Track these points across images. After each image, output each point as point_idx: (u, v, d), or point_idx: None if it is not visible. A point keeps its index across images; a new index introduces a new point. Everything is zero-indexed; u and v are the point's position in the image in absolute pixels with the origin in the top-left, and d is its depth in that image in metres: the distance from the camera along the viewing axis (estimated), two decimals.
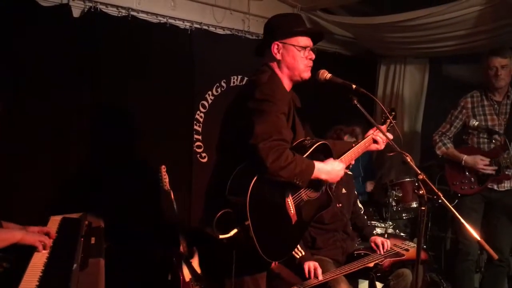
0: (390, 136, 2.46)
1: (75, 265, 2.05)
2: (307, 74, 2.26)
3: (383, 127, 2.60)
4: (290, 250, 2.22)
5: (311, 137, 2.34)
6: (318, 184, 2.23)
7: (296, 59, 2.20)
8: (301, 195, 2.18)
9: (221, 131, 2.29)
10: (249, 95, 2.06)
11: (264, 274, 2.28)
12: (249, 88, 2.15)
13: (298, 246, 2.81)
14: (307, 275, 2.71)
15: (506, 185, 3.56)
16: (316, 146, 2.22)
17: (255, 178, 1.94)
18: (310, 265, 2.73)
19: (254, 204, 1.92)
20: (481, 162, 3.51)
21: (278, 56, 2.20)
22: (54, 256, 2.17)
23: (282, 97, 2.08)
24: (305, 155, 2.14)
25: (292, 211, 2.12)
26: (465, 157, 3.58)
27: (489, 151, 3.58)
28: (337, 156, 2.34)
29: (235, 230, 1.93)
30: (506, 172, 3.52)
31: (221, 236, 1.93)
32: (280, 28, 2.21)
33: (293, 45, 2.20)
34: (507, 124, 3.54)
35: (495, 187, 3.56)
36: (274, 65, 2.23)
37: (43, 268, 2.03)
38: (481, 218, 3.63)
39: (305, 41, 2.23)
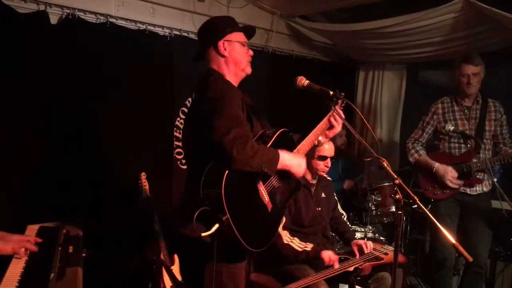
0: (343, 116, 2.46)
1: (52, 274, 2.03)
2: (249, 69, 2.37)
3: (336, 107, 2.53)
4: (271, 237, 2.24)
5: (268, 128, 2.37)
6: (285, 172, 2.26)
7: (241, 54, 2.32)
8: (272, 182, 2.22)
9: (185, 139, 2.39)
10: (201, 98, 2.15)
11: (242, 265, 2.28)
12: (199, 92, 2.24)
13: (297, 240, 2.99)
14: (327, 263, 2.88)
15: (478, 188, 3.62)
16: (278, 134, 2.27)
17: (226, 171, 1.95)
18: (331, 255, 2.91)
19: (229, 197, 1.93)
20: (451, 175, 3.57)
21: (226, 53, 2.28)
22: (31, 265, 2.15)
23: (233, 92, 2.16)
24: (268, 145, 2.18)
25: (267, 199, 2.16)
26: (436, 165, 3.64)
27: (460, 155, 3.64)
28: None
29: (216, 226, 1.93)
30: (478, 176, 3.58)
31: (203, 234, 1.93)
32: (221, 27, 2.31)
33: (238, 42, 2.31)
34: (477, 129, 3.61)
35: (468, 191, 3.62)
36: (219, 65, 2.30)
37: (20, 278, 2.01)
38: (456, 223, 3.68)
39: (244, 37, 2.37)
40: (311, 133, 2.46)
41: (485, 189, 3.64)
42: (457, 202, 3.67)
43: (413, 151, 3.81)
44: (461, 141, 3.64)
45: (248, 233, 2.00)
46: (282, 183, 2.27)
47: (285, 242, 2.99)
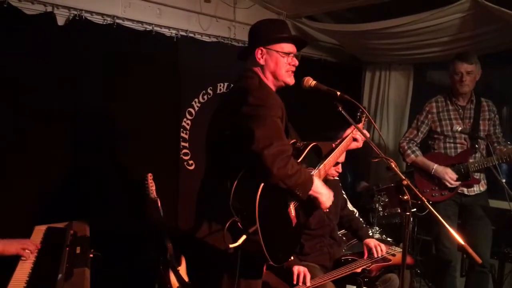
0: (368, 134, 2.51)
1: (60, 275, 2.04)
2: (290, 80, 2.27)
3: (360, 125, 2.64)
4: (292, 252, 2.21)
5: (299, 140, 2.35)
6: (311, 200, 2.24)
7: (278, 65, 2.21)
8: None
9: (209, 139, 2.27)
10: (241, 101, 2.02)
11: (260, 282, 2.26)
12: (239, 93, 2.12)
13: None
14: (295, 280, 2.68)
15: (475, 189, 3.60)
16: (309, 149, 2.24)
17: (262, 184, 1.91)
18: (300, 270, 2.71)
19: (262, 209, 1.90)
20: (450, 176, 3.53)
21: (262, 61, 2.21)
22: (39, 266, 2.16)
23: (276, 101, 2.07)
24: (300, 159, 2.16)
25: (293, 214, 2.13)
26: (435, 166, 3.59)
27: (456, 156, 3.61)
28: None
29: (243, 237, 1.89)
30: (475, 176, 3.56)
31: (231, 246, 1.89)
32: (265, 33, 2.22)
33: (277, 51, 2.21)
34: (471, 129, 3.58)
35: (465, 191, 3.60)
36: (258, 70, 2.23)
37: (27, 278, 2.02)
38: (456, 225, 3.63)
39: (289, 47, 2.25)
40: (337, 150, 2.49)
41: (482, 188, 3.62)
42: (455, 204, 3.63)
43: (409, 151, 3.76)
44: (457, 141, 3.61)
45: (273, 247, 1.96)
46: (302, 210, 2.21)
47: None
